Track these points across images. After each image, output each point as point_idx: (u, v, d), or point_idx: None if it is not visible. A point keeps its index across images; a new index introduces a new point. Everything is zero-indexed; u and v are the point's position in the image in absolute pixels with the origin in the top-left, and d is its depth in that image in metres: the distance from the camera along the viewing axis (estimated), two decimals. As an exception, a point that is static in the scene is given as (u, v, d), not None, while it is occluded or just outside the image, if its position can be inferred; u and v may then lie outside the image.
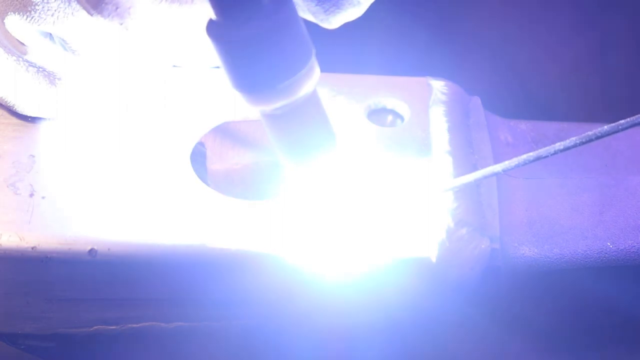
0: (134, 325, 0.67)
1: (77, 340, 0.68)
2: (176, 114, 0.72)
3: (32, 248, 0.63)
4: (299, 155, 0.61)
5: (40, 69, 0.68)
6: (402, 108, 0.74)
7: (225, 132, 0.75)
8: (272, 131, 0.60)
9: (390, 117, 0.74)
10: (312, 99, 0.58)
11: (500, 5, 1.03)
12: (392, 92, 0.74)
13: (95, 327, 0.67)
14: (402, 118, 0.73)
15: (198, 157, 0.72)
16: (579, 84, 1.02)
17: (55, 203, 0.65)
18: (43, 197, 0.65)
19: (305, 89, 0.57)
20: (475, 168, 0.68)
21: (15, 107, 0.70)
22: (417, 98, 0.74)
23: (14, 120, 0.71)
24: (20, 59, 0.67)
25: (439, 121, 0.71)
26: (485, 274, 0.64)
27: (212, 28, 0.56)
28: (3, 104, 0.70)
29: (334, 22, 0.63)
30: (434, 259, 0.63)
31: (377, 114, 0.74)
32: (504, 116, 0.76)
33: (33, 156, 0.68)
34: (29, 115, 0.70)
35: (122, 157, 0.69)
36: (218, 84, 0.75)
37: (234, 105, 0.73)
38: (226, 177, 0.75)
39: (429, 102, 0.73)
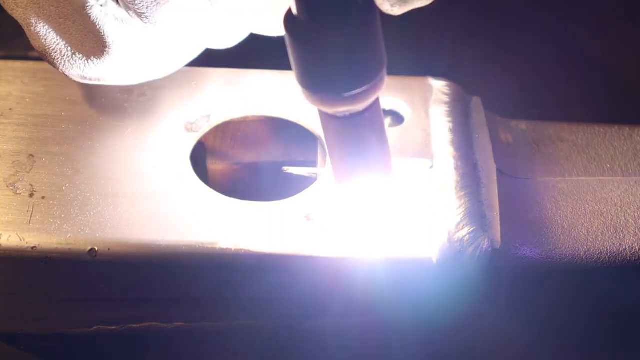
0: (134, 325, 0.67)
1: (77, 340, 0.68)
2: (176, 113, 0.72)
3: (32, 248, 0.63)
4: (352, 167, 0.60)
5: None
6: (403, 108, 0.74)
7: (225, 132, 0.75)
8: (326, 131, 0.59)
9: (390, 118, 0.74)
10: (375, 107, 0.58)
11: (501, 5, 1.03)
12: (393, 92, 0.74)
13: (95, 327, 0.67)
14: (402, 118, 0.73)
15: (198, 157, 0.72)
16: (579, 84, 1.02)
17: (55, 203, 0.65)
18: (43, 197, 0.65)
19: (372, 98, 0.56)
20: (475, 168, 0.68)
21: (64, 67, 0.67)
22: (417, 98, 0.74)
23: (14, 120, 0.71)
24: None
25: (439, 121, 0.71)
26: (486, 274, 0.64)
27: (294, 24, 0.54)
28: (56, 58, 0.67)
29: (397, 12, 0.61)
30: (435, 260, 0.63)
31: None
32: (504, 116, 0.76)
33: (33, 156, 0.68)
34: (74, 77, 0.67)
35: (122, 157, 0.69)
36: (218, 84, 0.75)
37: (234, 104, 0.73)
38: (226, 177, 0.75)
39: (429, 102, 0.73)
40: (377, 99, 0.58)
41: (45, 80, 0.74)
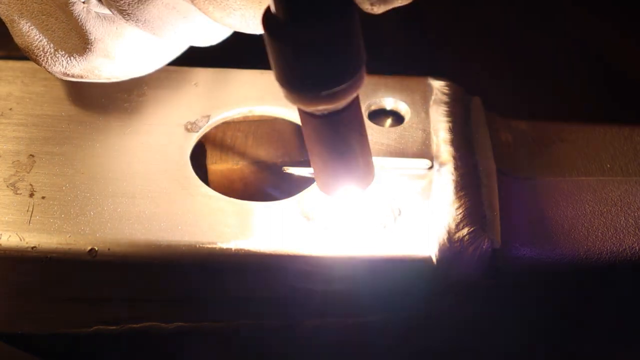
0: (134, 325, 0.67)
1: (77, 340, 0.68)
2: (176, 113, 0.72)
3: (32, 248, 0.63)
4: (331, 166, 0.60)
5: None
6: (403, 108, 0.74)
7: (225, 132, 0.75)
8: (305, 129, 0.59)
9: (390, 118, 0.74)
10: (354, 106, 0.58)
11: (502, 6, 1.03)
12: (393, 92, 0.74)
13: (95, 327, 0.67)
14: (402, 118, 0.73)
15: (198, 157, 0.72)
16: (579, 83, 1.02)
17: (55, 203, 0.65)
18: (43, 197, 0.65)
19: (351, 96, 0.56)
20: (475, 168, 0.68)
21: (47, 63, 0.67)
22: (417, 98, 0.74)
23: (14, 120, 0.71)
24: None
25: (439, 121, 0.71)
26: (486, 274, 0.64)
27: (272, 22, 0.54)
28: (39, 55, 0.67)
29: (378, 11, 0.61)
30: (435, 260, 0.63)
31: (377, 114, 0.74)
32: (504, 116, 0.76)
33: (33, 156, 0.68)
34: (56, 74, 0.68)
35: (122, 157, 0.69)
36: (219, 84, 0.75)
37: (234, 104, 0.73)
38: (226, 177, 0.75)
39: (429, 102, 0.73)
40: (357, 98, 0.58)
41: (45, 80, 0.74)
